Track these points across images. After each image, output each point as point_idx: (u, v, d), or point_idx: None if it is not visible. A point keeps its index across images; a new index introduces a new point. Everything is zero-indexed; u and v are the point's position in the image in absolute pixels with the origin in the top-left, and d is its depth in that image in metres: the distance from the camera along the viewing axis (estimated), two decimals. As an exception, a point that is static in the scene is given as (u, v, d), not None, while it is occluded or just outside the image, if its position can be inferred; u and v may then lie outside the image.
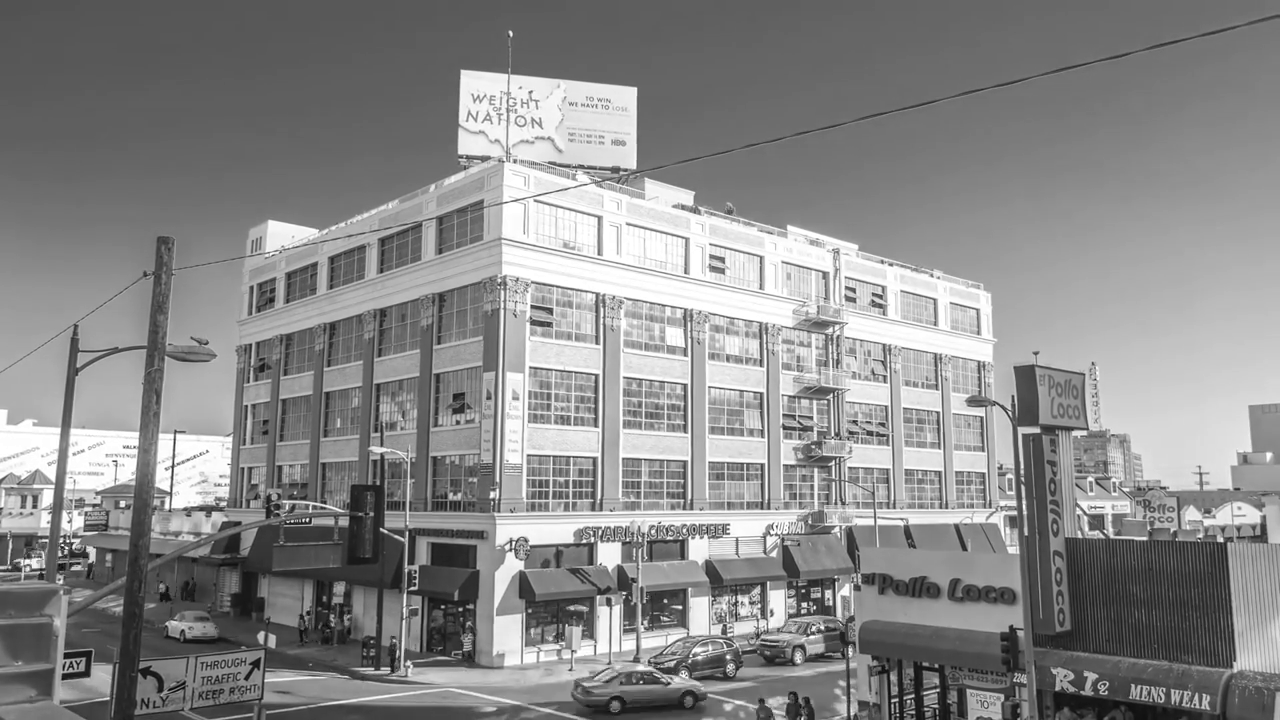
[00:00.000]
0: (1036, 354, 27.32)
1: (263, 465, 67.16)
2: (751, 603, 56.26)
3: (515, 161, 52.54)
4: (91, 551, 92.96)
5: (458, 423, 50.32)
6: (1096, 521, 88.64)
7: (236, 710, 25.91)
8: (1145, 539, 50.87)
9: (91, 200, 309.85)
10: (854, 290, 66.54)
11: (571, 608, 47.75)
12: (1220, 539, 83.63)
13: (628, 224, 54.07)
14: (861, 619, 29.18)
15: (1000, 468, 78.85)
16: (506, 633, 45.61)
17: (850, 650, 31.60)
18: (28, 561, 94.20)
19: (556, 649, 46.49)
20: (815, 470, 61.96)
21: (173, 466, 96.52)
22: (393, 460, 50.03)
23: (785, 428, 60.49)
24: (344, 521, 21.33)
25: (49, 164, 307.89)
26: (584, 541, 49.17)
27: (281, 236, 68.62)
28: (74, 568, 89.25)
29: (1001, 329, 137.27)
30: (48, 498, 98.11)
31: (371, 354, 57.13)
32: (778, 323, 60.89)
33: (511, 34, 57.28)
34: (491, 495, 46.28)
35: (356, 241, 58.94)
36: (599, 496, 50.44)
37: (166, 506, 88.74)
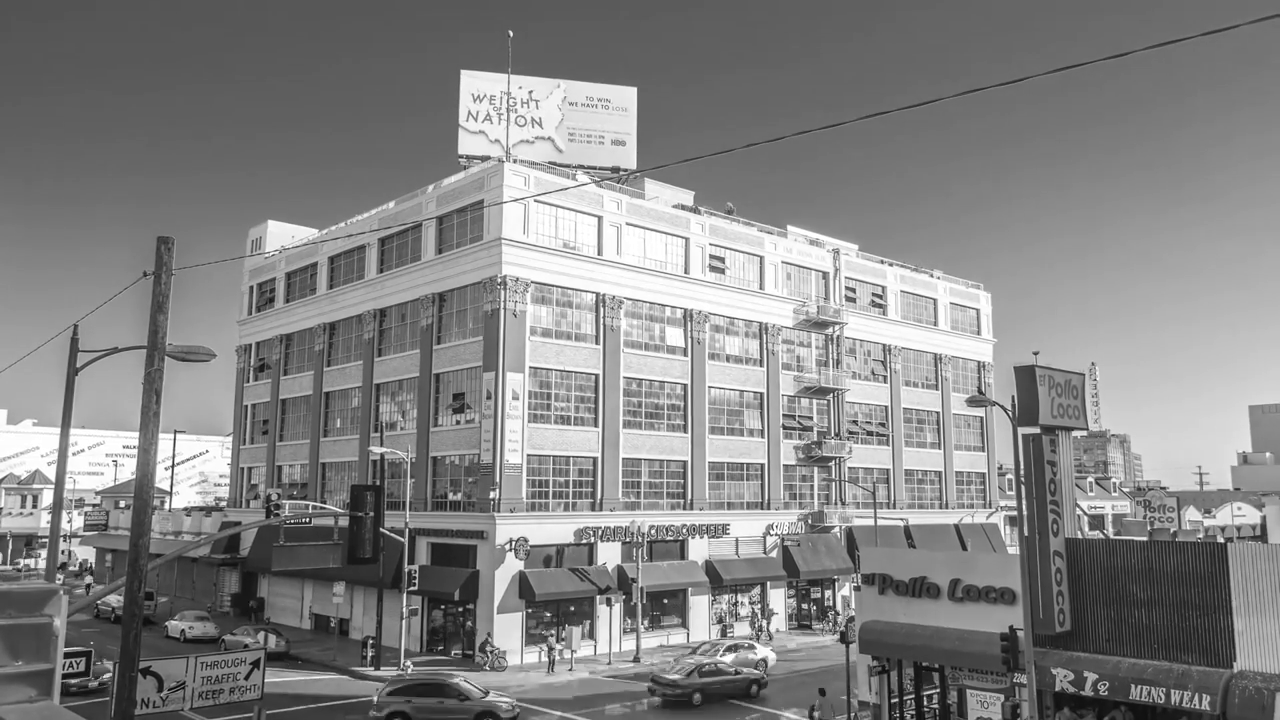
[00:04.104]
0: (1036, 354, 27.32)
1: (263, 465, 67.16)
2: (751, 603, 56.26)
3: (515, 161, 52.54)
4: (91, 555, 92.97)
5: (458, 423, 50.32)
6: (1096, 521, 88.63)
7: (236, 710, 25.89)
8: (1145, 539, 50.87)
9: (92, 200, 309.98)
10: (854, 290, 66.54)
11: (571, 607, 47.81)
12: (1220, 539, 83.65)
13: (628, 224, 54.07)
14: (861, 619, 29.18)
15: (1000, 468, 78.85)
16: (506, 632, 45.61)
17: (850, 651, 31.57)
18: (27, 562, 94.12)
19: (557, 649, 46.46)
20: (815, 470, 61.96)
21: (173, 466, 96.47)
22: (393, 460, 50.03)
23: (785, 428, 60.49)
24: (344, 521, 21.32)
25: (49, 164, 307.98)
26: (584, 541, 49.17)
27: (281, 236, 68.63)
28: (76, 589, 75.93)
29: (1001, 329, 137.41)
30: (48, 498, 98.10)
31: (371, 354, 57.13)
32: (778, 323, 60.88)
33: (511, 34, 57.35)
34: (491, 495, 46.28)
35: (356, 241, 58.94)
36: (599, 496, 50.44)
37: (166, 506, 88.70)
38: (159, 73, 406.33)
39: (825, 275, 64.71)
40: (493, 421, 46.97)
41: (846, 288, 65.81)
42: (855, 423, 65.04)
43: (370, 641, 45.44)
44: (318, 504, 53.93)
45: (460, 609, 47.73)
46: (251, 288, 71.13)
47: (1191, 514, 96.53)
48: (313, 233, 67.88)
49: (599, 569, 48.91)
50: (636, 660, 46.26)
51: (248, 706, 21.82)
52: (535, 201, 50.12)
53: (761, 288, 60.44)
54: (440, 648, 48.50)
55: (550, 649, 44.20)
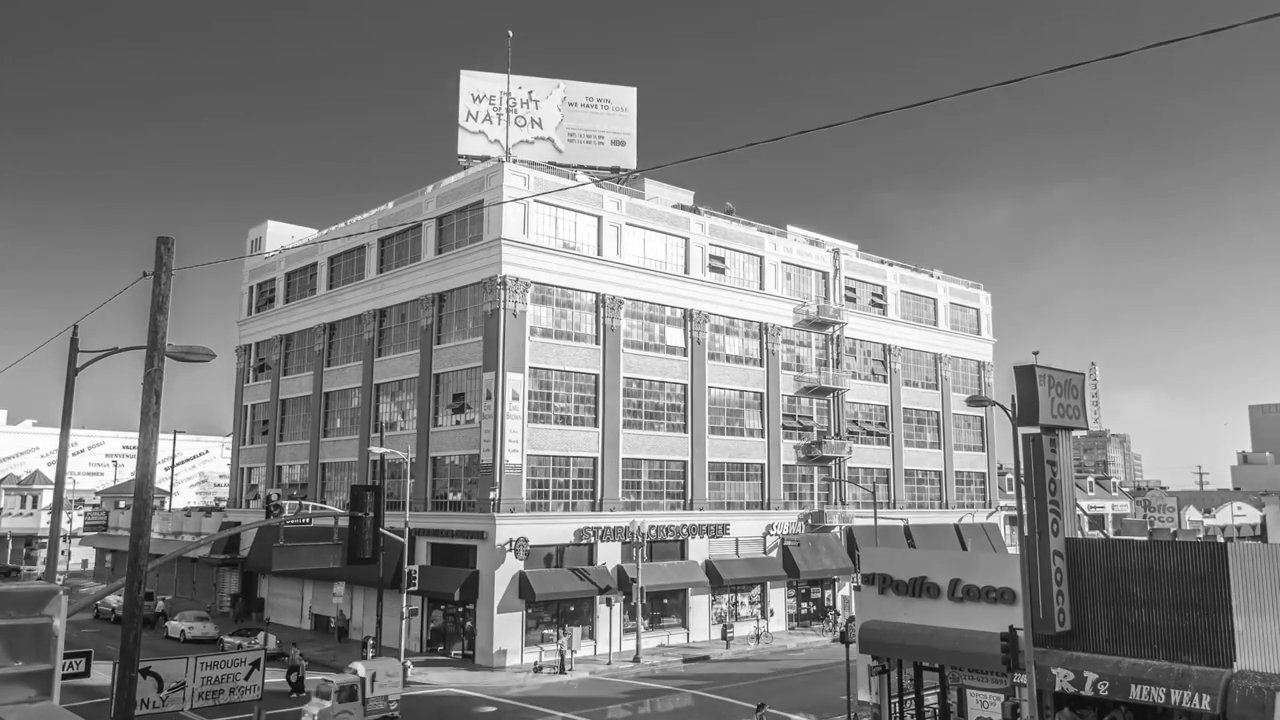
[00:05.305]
0: (1036, 354, 27.31)
1: (263, 465, 67.16)
2: (751, 603, 56.27)
3: (515, 161, 52.55)
4: (90, 556, 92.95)
5: (458, 423, 50.33)
6: (1096, 521, 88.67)
7: (236, 710, 25.91)
8: (1145, 539, 50.87)
9: (92, 200, 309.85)
10: (854, 290, 66.55)
11: (571, 607, 47.82)
12: (1220, 539, 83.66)
13: (627, 224, 54.08)
14: (861, 619, 29.18)
15: (1000, 468, 78.86)
16: (506, 632, 45.62)
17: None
18: (31, 567, 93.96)
19: (557, 648, 46.48)
20: (815, 470, 61.96)
21: (172, 466, 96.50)
22: (393, 460, 50.02)
23: (785, 428, 60.49)
24: (344, 521, 21.35)
25: (50, 164, 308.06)
26: (584, 541, 49.17)
27: (281, 237, 68.65)
28: (81, 588, 75.33)
29: (1001, 329, 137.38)
30: (48, 498, 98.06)
31: (371, 354, 57.14)
32: (778, 323, 60.89)
33: (511, 34, 57.35)
34: (491, 495, 46.29)
35: (356, 242, 58.95)
36: (599, 496, 50.44)
37: (166, 507, 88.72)
38: (158, 73, 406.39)
39: (825, 275, 64.72)
40: (493, 421, 46.97)
41: (846, 288, 65.83)
42: (855, 423, 65.05)
43: (370, 641, 45.46)
44: (318, 504, 53.92)
45: (460, 609, 47.73)
46: (251, 288, 71.14)
47: (1191, 514, 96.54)
48: (312, 233, 67.89)
49: (599, 569, 48.91)
50: (636, 660, 46.25)
51: (247, 706, 21.84)
52: (535, 201, 50.12)
53: (761, 288, 60.45)
54: (440, 648, 48.52)
55: (560, 652, 44.25)
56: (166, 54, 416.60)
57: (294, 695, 37.63)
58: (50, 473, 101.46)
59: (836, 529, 60.95)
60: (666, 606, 52.04)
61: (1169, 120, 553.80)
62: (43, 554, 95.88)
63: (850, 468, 63.44)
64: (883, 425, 67.02)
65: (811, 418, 62.50)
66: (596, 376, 51.37)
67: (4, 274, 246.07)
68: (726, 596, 54.97)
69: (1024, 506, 24.61)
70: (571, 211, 51.89)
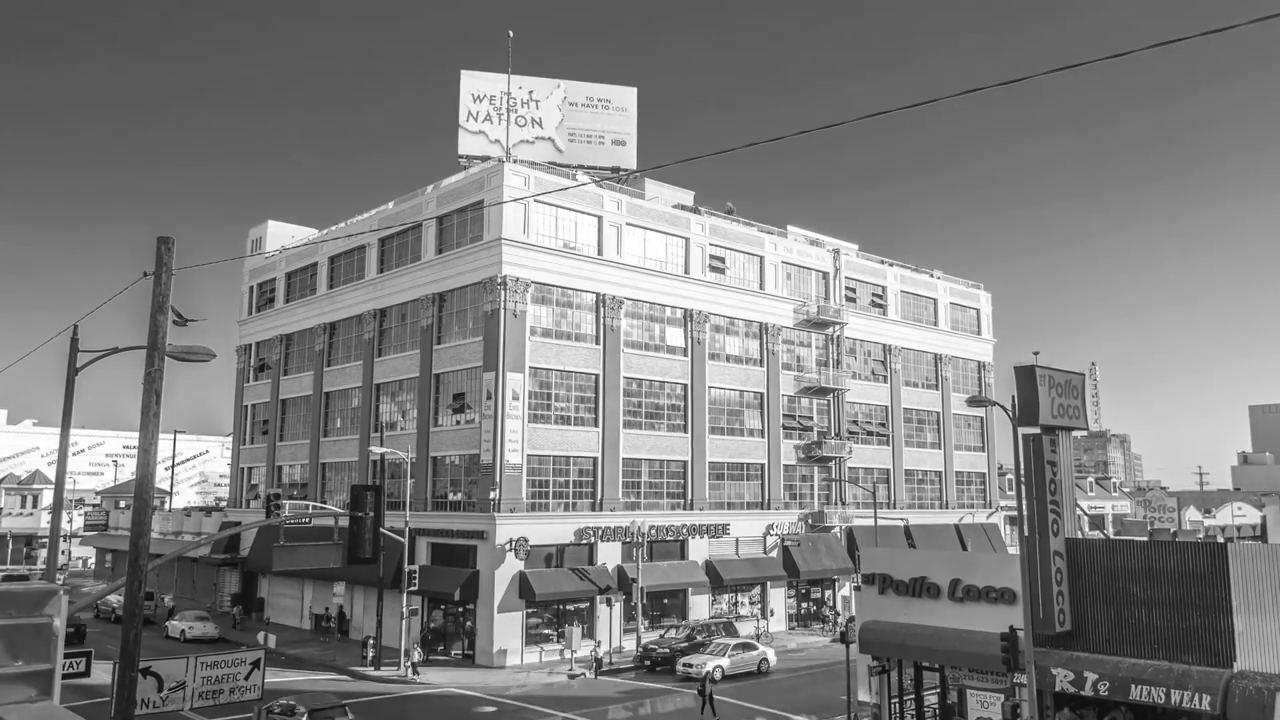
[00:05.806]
0: (1036, 354, 27.33)
1: (263, 465, 67.17)
2: (751, 602, 56.27)
3: (515, 161, 52.56)
4: (91, 555, 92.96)
5: (458, 423, 50.33)
6: (1096, 521, 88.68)
7: (236, 710, 25.91)
8: (1145, 539, 50.89)
9: (92, 200, 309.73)
10: (854, 290, 66.55)
11: (571, 607, 47.83)
12: (1220, 539, 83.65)
13: (628, 224, 54.08)
14: (861, 619, 29.19)
15: (1000, 468, 78.86)
16: (507, 632, 45.64)
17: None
18: (33, 568, 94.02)
19: (557, 649, 46.51)
20: (815, 470, 61.96)
21: (173, 466, 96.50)
22: (393, 460, 50.03)
23: (785, 428, 60.49)
24: (344, 521, 21.36)
25: (50, 163, 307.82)
26: (584, 541, 49.17)
27: (281, 236, 68.66)
28: (81, 588, 72.30)
29: (1001, 329, 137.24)
30: (48, 498, 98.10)
31: (371, 354, 57.15)
32: (778, 323, 60.89)
33: (511, 34, 57.37)
34: (491, 495, 46.30)
35: (356, 241, 58.96)
36: (599, 496, 50.45)
37: (166, 506, 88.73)
38: (158, 72, 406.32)
39: (825, 275, 64.72)
40: (493, 421, 46.98)
41: (846, 288, 65.83)
42: (855, 423, 65.05)
43: (370, 641, 45.47)
44: (318, 504, 53.92)
45: (460, 609, 47.73)
46: (251, 288, 71.15)
47: (1192, 514, 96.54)
48: (313, 233, 67.91)
49: (599, 569, 48.91)
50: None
51: (247, 706, 21.84)
52: (535, 201, 50.14)
53: (761, 288, 60.45)
54: (440, 648, 48.50)
55: (563, 648, 44.24)
56: (166, 54, 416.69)
57: None
58: (50, 472, 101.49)
59: (836, 529, 60.95)
60: (666, 606, 52.05)
61: (1169, 120, 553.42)
62: (43, 554, 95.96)
63: (850, 468, 63.44)
64: (883, 425, 67.02)
65: (811, 418, 62.50)
66: (596, 376, 51.38)
67: (4, 274, 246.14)
68: (727, 596, 54.98)
69: (1024, 506, 24.61)
70: (572, 211, 51.90)
